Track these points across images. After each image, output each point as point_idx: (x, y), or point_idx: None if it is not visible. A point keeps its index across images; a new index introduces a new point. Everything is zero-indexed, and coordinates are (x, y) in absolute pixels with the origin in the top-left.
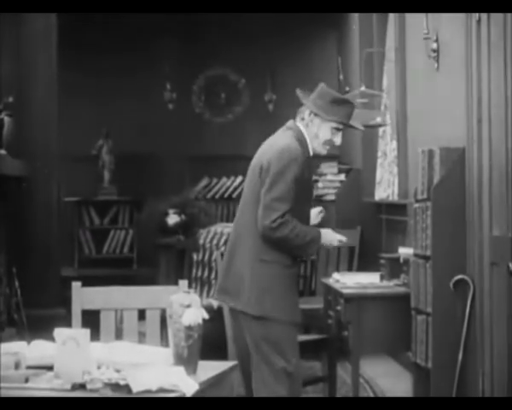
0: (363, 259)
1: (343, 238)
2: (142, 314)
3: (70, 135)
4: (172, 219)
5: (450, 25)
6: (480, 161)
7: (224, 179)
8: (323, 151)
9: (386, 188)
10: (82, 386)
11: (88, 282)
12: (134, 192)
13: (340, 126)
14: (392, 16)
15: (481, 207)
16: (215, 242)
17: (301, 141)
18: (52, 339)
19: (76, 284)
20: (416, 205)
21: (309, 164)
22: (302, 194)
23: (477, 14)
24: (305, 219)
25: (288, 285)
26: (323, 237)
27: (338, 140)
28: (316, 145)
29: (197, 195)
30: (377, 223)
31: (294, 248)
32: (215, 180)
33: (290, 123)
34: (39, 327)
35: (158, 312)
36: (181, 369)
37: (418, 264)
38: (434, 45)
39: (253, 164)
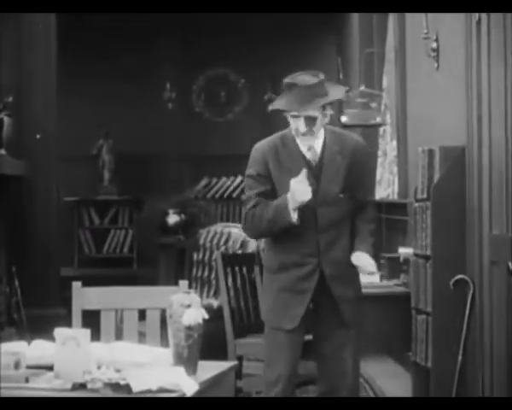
0: None
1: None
2: (142, 314)
3: (70, 134)
4: (172, 218)
5: (450, 24)
6: (480, 160)
7: (223, 179)
8: (303, 142)
9: (386, 187)
10: (82, 386)
11: (88, 282)
12: (134, 192)
13: (294, 113)
14: (392, 16)
15: (481, 206)
16: (215, 241)
17: (286, 135)
18: (52, 339)
19: (76, 284)
20: (416, 204)
21: (283, 156)
22: (279, 187)
23: (477, 14)
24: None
25: (272, 290)
26: (293, 196)
27: (300, 128)
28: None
29: (197, 194)
30: (377, 222)
31: (268, 228)
32: (215, 180)
33: None
34: (39, 327)
35: (158, 312)
36: (181, 369)
37: (418, 264)
38: (434, 45)
39: None
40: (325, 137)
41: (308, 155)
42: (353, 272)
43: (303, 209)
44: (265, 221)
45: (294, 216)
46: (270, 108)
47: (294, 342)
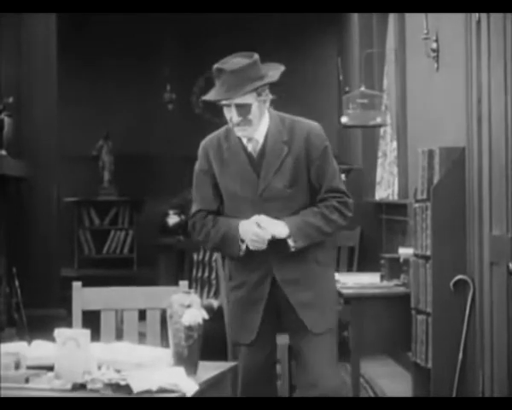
0: (362, 259)
1: (259, 234)
2: (142, 315)
3: (70, 135)
4: (172, 219)
5: (450, 25)
6: (480, 160)
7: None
8: (239, 133)
9: (386, 188)
10: (82, 386)
11: (88, 282)
12: (134, 193)
13: (225, 102)
14: (391, 17)
15: (481, 206)
16: None
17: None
18: (52, 339)
19: (76, 285)
20: (416, 205)
21: (225, 148)
22: (221, 181)
23: (477, 14)
24: (242, 209)
25: (229, 301)
26: (241, 228)
27: (233, 117)
28: None
29: None
30: (377, 223)
31: (214, 249)
32: None
33: None
34: (39, 327)
35: (158, 312)
36: (181, 369)
37: (418, 264)
38: (434, 45)
39: None
40: (269, 126)
41: (249, 147)
42: (315, 273)
43: (245, 206)
44: (211, 243)
45: (243, 248)
46: (201, 99)
47: (256, 356)
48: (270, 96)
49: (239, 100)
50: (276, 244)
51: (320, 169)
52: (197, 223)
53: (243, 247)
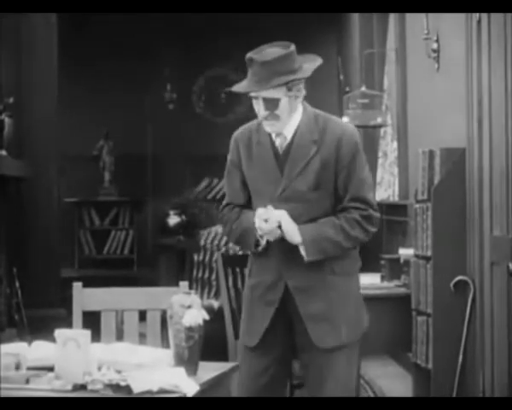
0: (363, 259)
1: (265, 227)
2: (142, 315)
3: (70, 135)
4: (173, 219)
5: (451, 25)
6: (481, 161)
7: (224, 180)
8: (267, 128)
9: (386, 188)
10: (83, 387)
11: (88, 283)
12: (134, 193)
13: (253, 94)
14: (392, 16)
15: (482, 207)
16: (216, 242)
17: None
18: (53, 340)
19: (77, 285)
20: (417, 205)
21: (254, 142)
22: (248, 174)
23: (477, 14)
24: (262, 207)
25: (246, 298)
26: (256, 219)
27: (260, 111)
28: None
29: (198, 195)
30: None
31: (236, 243)
32: (216, 181)
33: None
34: (40, 328)
35: (158, 313)
36: (181, 370)
37: (419, 264)
38: (435, 45)
39: None
40: (300, 123)
41: (277, 142)
42: (329, 283)
43: (265, 204)
44: (234, 237)
45: (262, 243)
46: (226, 90)
47: (259, 362)
48: (304, 92)
49: (266, 94)
50: (290, 249)
51: (347, 177)
52: (225, 216)
53: (262, 242)
